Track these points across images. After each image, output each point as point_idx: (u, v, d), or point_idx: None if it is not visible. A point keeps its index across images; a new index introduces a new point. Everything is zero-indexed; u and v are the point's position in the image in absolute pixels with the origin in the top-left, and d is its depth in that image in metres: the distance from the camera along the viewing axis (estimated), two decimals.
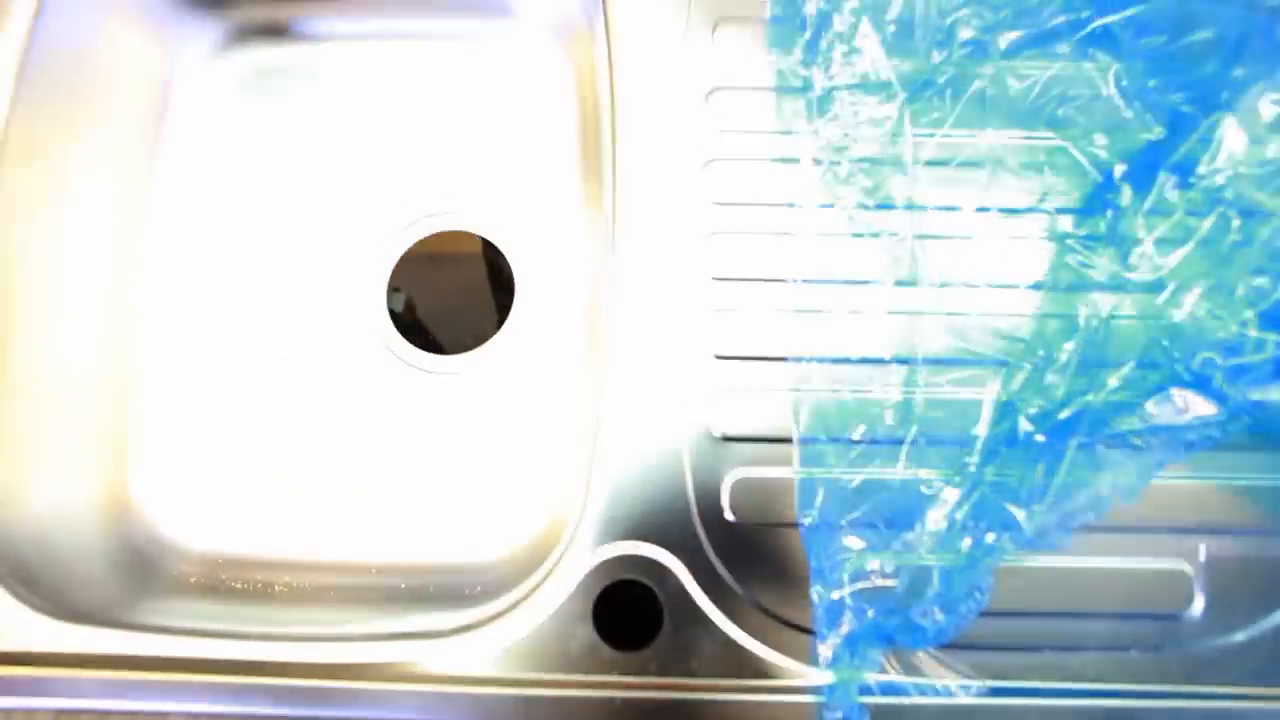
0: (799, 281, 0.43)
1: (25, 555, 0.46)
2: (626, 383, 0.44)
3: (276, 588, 0.53)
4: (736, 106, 0.47)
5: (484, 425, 0.56)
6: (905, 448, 0.42)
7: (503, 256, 0.59)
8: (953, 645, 0.41)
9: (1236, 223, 0.40)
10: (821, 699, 0.41)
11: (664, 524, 0.43)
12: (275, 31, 0.59)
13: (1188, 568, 0.42)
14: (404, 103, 0.59)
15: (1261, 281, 0.40)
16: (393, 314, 0.58)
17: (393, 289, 0.59)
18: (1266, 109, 0.40)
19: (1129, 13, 0.43)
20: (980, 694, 0.41)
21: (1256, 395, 0.39)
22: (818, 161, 0.44)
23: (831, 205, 0.44)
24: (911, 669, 0.41)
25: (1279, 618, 0.41)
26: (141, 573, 0.52)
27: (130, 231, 0.56)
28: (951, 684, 0.40)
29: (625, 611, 0.43)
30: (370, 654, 0.43)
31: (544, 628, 0.42)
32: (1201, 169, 0.41)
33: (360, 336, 0.58)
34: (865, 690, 0.40)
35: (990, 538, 0.40)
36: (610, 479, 0.43)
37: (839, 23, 0.44)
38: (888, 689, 0.41)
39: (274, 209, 0.59)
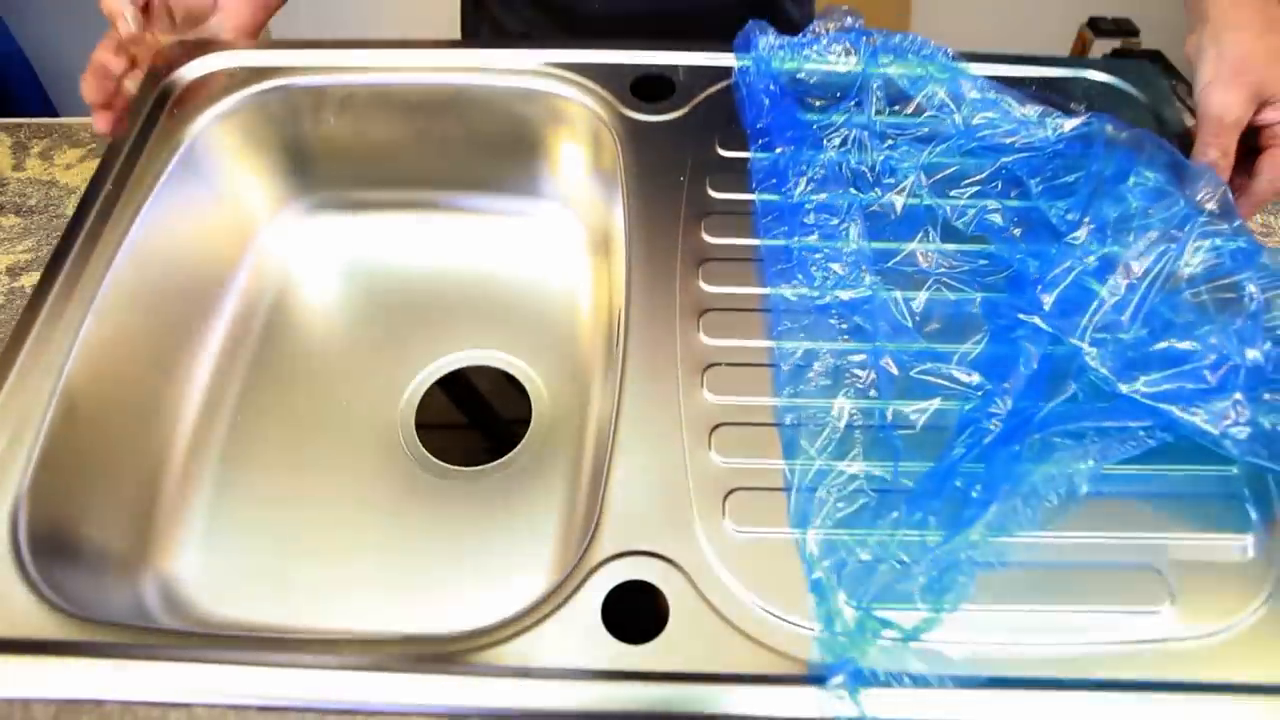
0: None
1: (60, 570, 0.48)
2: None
3: None
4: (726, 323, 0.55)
5: (495, 520, 0.61)
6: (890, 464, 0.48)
7: (523, 386, 0.68)
8: (948, 639, 0.43)
9: (1124, 282, 0.50)
10: (821, 688, 0.41)
11: (668, 534, 0.46)
12: (349, 205, 0.74)
13: (1159, 572, 0.45)
14: (443, 258, 0.73)
15: (1149, 327, 0.49)
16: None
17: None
18: (1134, 203, 0.52)
19: (1023, 155, 0.57)
20: (978, 684, 0.42)
21: (1165, 406, 0.46)
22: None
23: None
24: (909, 662, 0.42)
25: (1249, 615, 0.43)
26: None
27: (193, 341, 0.65)
28: (948, 675, 0.42)
29: (632, 607, 0.45)
30: (382, 652, 0.44)
31: (555, 623, 0.44)
32: (1091, 248, 0.52)
33: (390, 447, 0.64)
34: (862, 680, 0.41)
35: (974, 523, 0.44)
36: (619, 496, 0.48)
37: (803, 162, 0.58)
38: (885, 679, 0.41)
39: (328, 335, 0.68)
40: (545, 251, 0.73)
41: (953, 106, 0.59)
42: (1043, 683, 0.42)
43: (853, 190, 0.57)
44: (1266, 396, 0.45)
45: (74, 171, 0.74)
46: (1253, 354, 0.47)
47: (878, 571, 0.44)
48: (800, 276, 0.55)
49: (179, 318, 0.64)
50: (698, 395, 0.51)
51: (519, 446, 0.65)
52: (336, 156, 0.72)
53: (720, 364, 0.53)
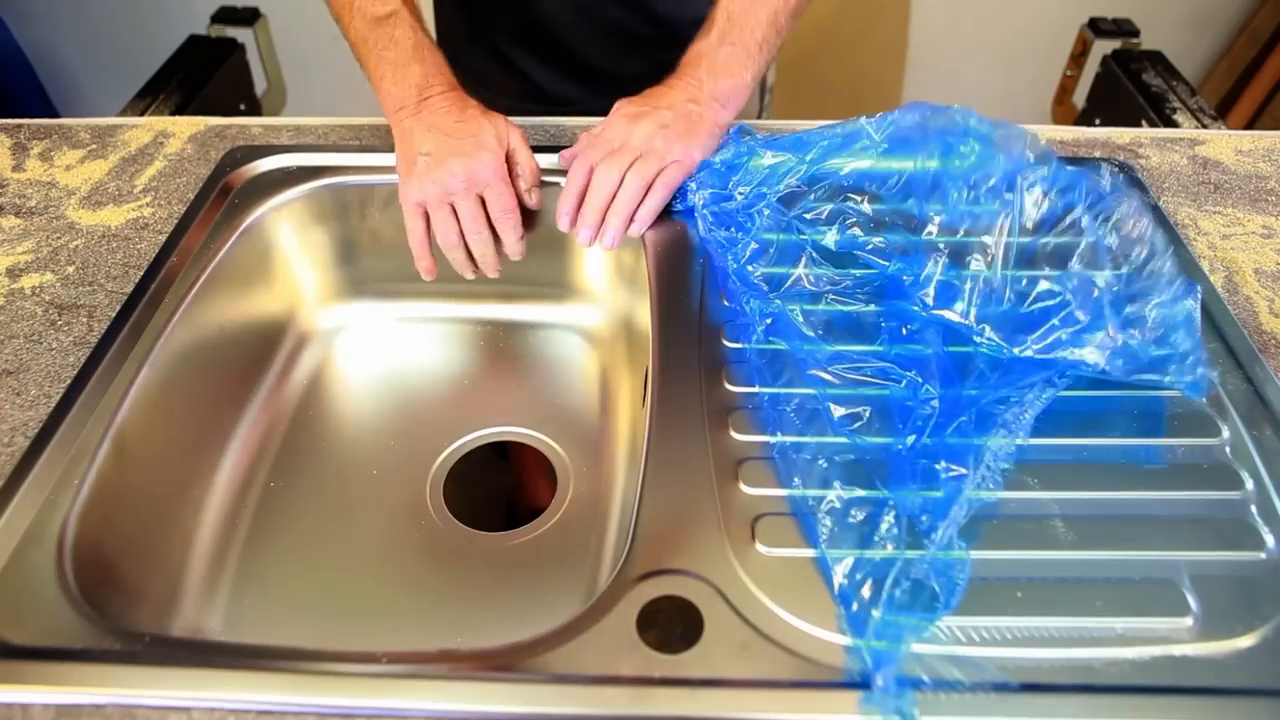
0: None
1: (97, 589, 0.49)
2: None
3: None
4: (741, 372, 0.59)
5: (524, 582, 0.62)
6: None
7: (549, 461, 0.71)
8: (984, 649, 0.44)
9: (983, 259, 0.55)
10: (865, 691, 0.42)
11: (700, 554, 0.48)
12: (388, 292, 0.79)
13: (1179, 585, 0.46)
14: (474, 345, 0.78)
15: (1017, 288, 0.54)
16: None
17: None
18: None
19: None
20: (1013, 690, 0.42)
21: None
22: None
23: None
24: (943, 668, 0.43)
25: (1267, 625, 0.45)
26: None
27: (236, 405, 0.69)
28: (984, 681, 0.42)
29: (666, 623, 0.45)
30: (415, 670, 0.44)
31: (591, 636, 0.45)
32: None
33: (418, 514, 0.66)
34: (906, 684, 0.42)
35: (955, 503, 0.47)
36: (651, 522, 0.50)
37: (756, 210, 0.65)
38: (921, 685, 0.42)
39: (362, 411, 0.72)
40: (572, 337, 0.78)
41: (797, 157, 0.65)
42: (1074, 688, 0.42)
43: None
44: (1128, 310, 0.50)
45: (74, 173, 0.73)
46: (1103, 277, 0.52)
47: (896, 577, 0.45)
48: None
49: (225, 381, 0.67)
50: (724, 435, 0.54)
51: (545, 513, 0.66)
52: (379, 248, 0.77)
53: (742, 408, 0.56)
